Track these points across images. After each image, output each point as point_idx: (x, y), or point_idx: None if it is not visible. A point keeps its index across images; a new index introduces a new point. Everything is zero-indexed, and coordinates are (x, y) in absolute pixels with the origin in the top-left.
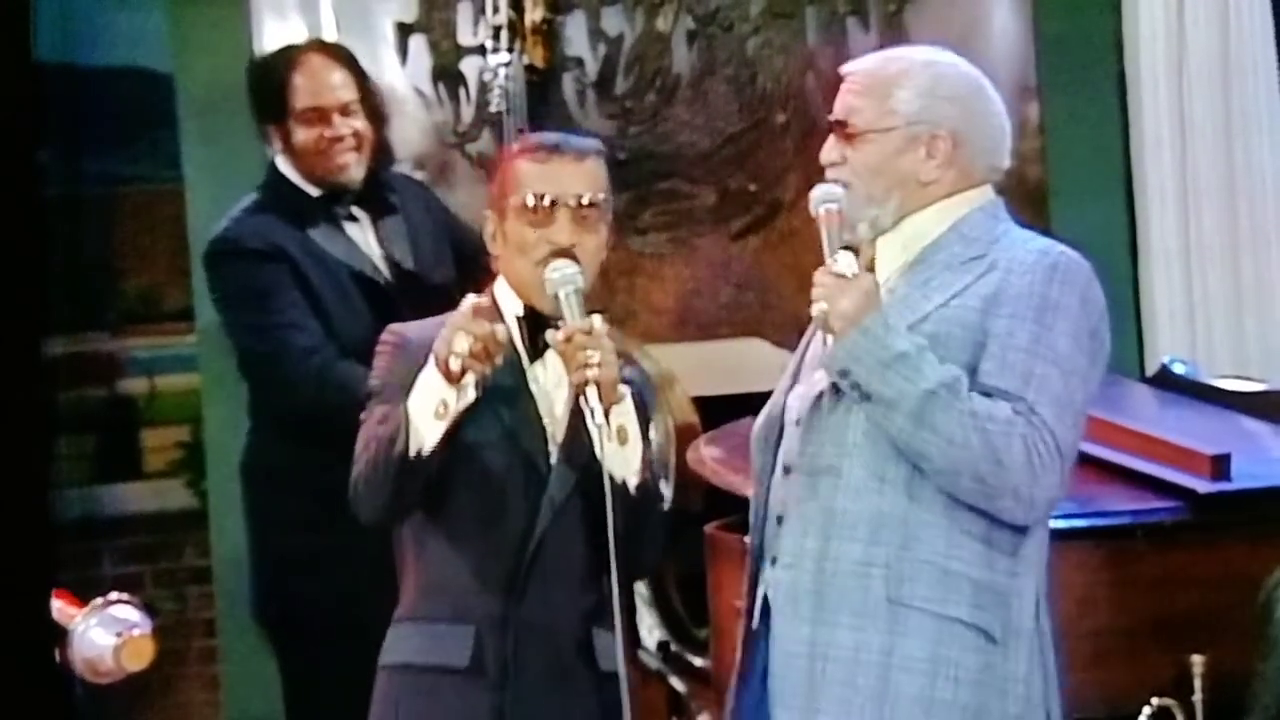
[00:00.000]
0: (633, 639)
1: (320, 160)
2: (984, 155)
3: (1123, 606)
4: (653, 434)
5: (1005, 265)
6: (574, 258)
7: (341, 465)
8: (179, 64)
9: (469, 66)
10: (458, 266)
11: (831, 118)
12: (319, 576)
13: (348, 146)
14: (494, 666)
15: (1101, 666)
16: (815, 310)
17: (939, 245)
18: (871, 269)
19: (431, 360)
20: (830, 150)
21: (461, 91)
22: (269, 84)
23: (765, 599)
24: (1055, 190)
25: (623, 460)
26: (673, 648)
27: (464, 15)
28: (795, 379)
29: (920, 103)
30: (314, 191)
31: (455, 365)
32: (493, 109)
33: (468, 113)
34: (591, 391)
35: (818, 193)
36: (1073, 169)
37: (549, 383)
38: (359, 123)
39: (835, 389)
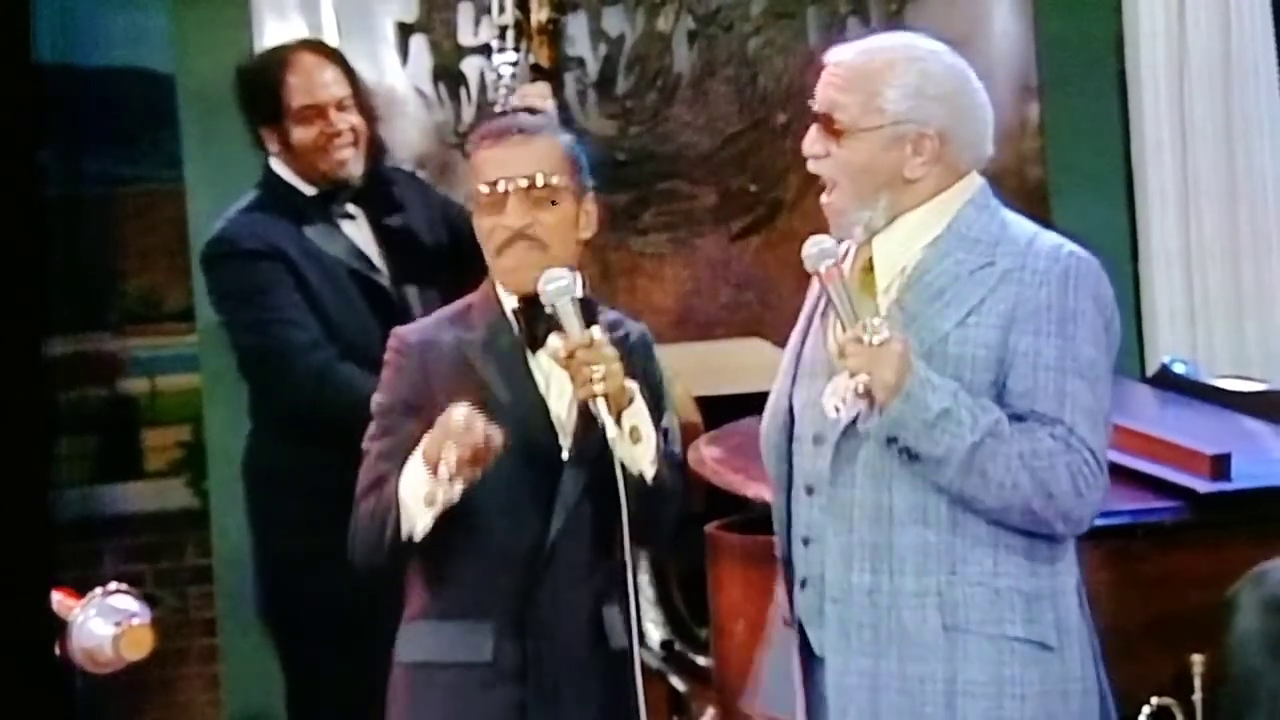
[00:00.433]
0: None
1: (320, 157)
2: (970, 149)
3: (1123, 606)
4: (665, 394)
5: (1017, 276)
6: (532, 238)
7: (342, 465)
8: (180, 64)
9: (470, 66)
10: (458, 258)
11: (815, 108)
12: (320, 576)
13: (346, 142)
14: (514, 661)
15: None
16: (856, 383)
17: (939, 247)
18: (870, 269)
19: (420, 453)
20: (813, 142)
21: (462, 91)
22: (262, 86)
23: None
24: (1055, 190)
25: (637, 455)
26: (676, 646)
27: (465, 15)
28: (795, 379)
29: (908, 102)
30: (310, 190)
31: (444, 472)
32: (499, 109)
33: (469, 113)
34: (600, 404)
35: (812, 250)
36: (1073, 169)
37: (554, 374)
38: (354, 118)
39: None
